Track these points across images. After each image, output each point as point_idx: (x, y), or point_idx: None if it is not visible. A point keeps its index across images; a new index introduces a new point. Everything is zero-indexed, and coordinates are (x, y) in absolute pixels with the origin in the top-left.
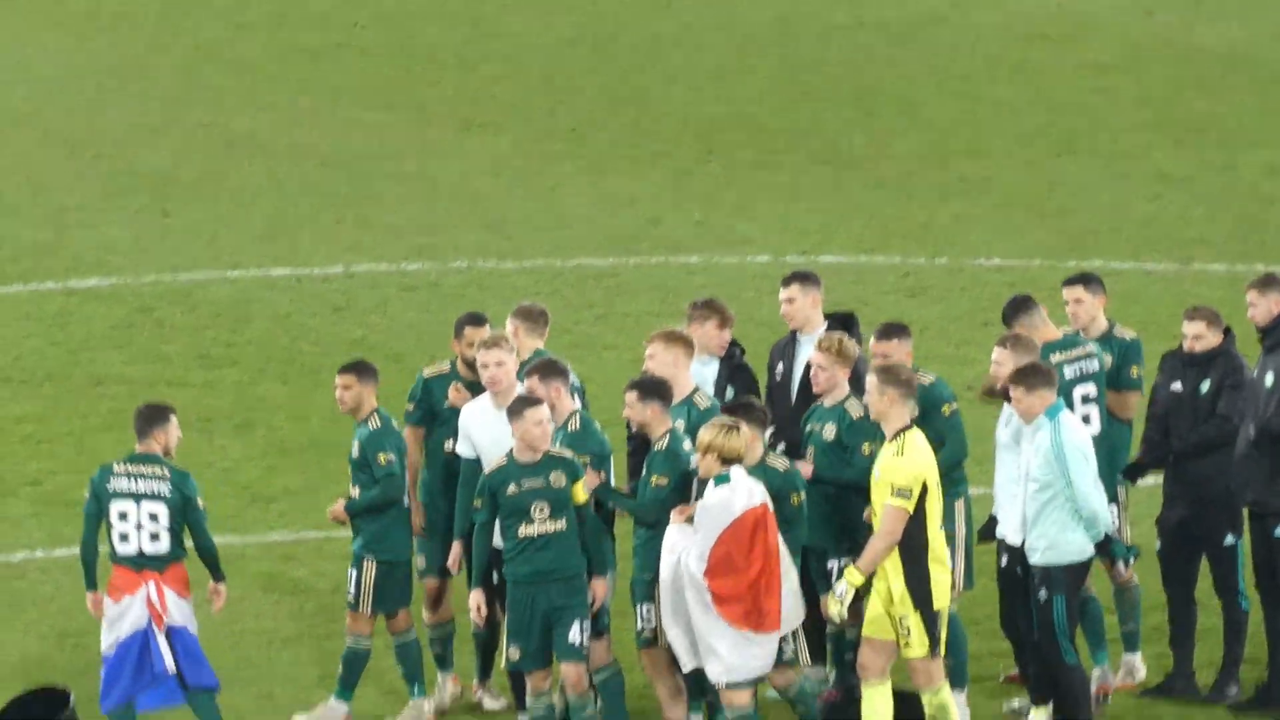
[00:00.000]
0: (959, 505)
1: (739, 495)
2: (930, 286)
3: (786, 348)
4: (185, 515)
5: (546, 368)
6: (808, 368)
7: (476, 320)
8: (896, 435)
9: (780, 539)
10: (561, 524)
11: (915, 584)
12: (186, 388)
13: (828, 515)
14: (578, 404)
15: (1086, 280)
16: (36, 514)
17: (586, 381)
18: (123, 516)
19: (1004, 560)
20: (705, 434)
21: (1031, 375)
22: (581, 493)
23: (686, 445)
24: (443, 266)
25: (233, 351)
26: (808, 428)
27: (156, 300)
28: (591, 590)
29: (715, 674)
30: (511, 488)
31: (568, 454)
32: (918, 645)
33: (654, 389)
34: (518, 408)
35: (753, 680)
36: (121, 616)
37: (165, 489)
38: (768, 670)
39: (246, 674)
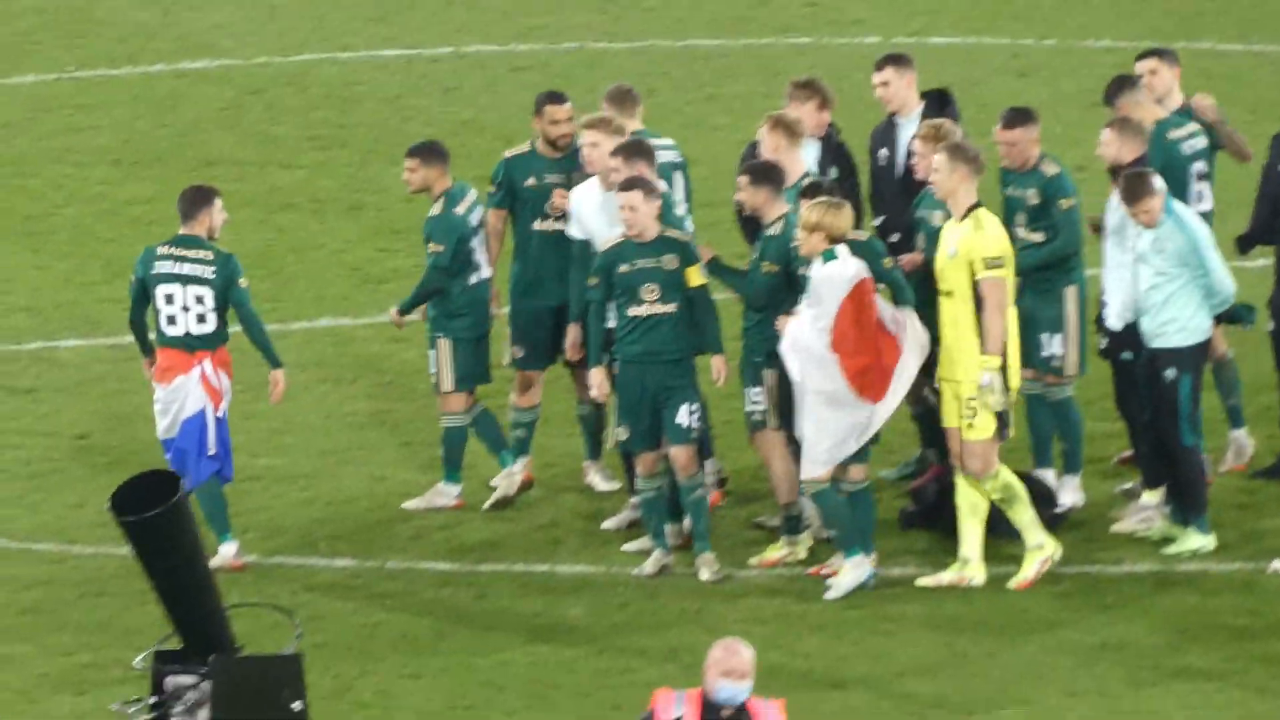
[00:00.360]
0: (1071, 291)
1: (848, 268)
2: (1039, 67)
3: (886, 132)
4: (229, 297)
5: (630, 149)
6: (910, 152)
7: (556, 99)
8: (968, 212)
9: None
10: (672, 306)
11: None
12: (296, 169)
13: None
14: (678, 188)
15: (1160, 53)
16: None
17: (695, 164)
18: (169, 299)
19: (1105, 343)
20: (811, 213)
21: (1144, 183)
22: (696, 275)
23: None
24: (552, 47)
25: (343, 133)
26: (917, 214)
27: (266, 81)
28: (714, 368)
29: (829, 457)
30: (624, 266)
31: (684, 236)
32: (981, 428)
33: (766, 173)
34: (623, 188)
35: (849, 458)
36: (181, 396)
37: (209, 272)
38: (863, 440)
39: (357, 456)
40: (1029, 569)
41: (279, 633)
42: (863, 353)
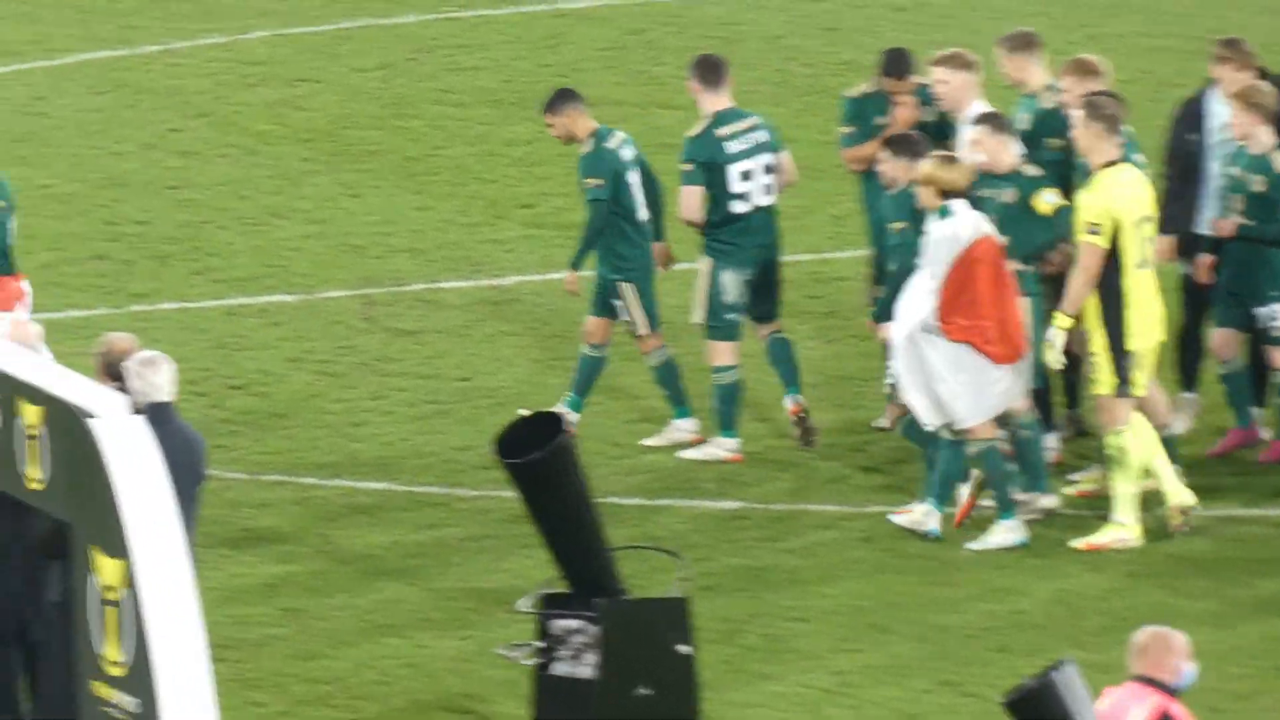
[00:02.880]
0: None
1: (964, 226)
2: None
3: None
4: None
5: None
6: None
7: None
8: (1096, 171)
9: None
10: None
11: (1108, 323)
12: (676, 110)
13: (1252, 264)
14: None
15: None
16: (528, 237)
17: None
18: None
19: None
20: (924, 167)
21: None
22: None
23: None
24: None
25: None
26: (1234, 175)
27: (648, 21)
28: None
29: (959, 417)
30: None
31: None
32: (1104, 383)
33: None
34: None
35: (994, 414)
36: None
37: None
38: (1009, 404)
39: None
40: (1103, 537)
41: (665, 575)
42: (978, 315)
